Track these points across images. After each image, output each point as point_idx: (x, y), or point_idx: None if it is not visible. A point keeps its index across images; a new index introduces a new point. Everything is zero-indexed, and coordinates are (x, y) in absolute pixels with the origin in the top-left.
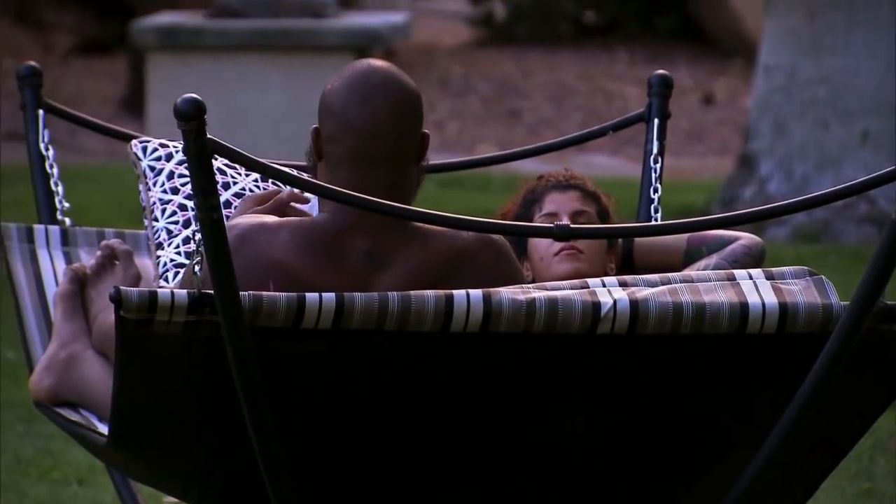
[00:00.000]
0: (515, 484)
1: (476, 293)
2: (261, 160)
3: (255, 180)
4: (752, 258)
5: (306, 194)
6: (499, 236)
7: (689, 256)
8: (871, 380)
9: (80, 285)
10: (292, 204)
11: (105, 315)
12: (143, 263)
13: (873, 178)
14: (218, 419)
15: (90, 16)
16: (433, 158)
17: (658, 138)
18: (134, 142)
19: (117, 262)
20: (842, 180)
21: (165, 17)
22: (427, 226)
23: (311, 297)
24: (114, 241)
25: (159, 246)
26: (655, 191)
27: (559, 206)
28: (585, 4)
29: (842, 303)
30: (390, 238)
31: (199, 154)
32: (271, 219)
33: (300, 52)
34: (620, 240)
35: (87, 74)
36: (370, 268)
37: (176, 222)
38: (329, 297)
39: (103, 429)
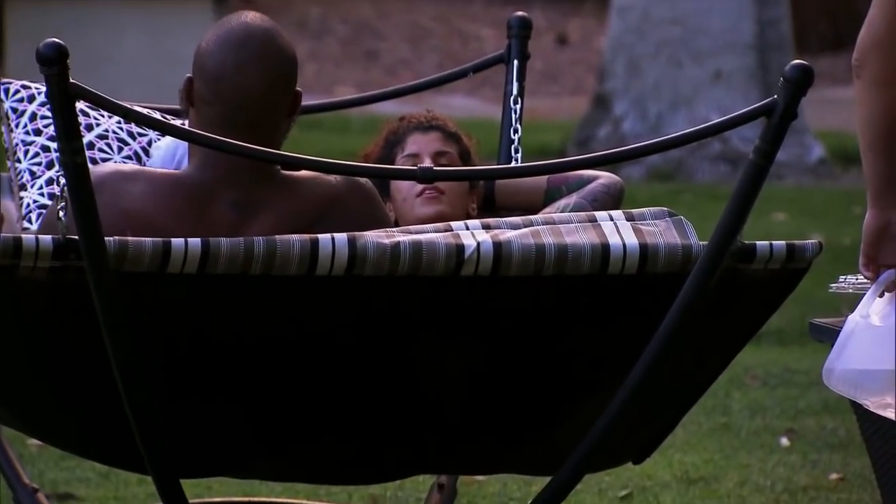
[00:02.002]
0: (379, 426)
1: (341, 237)
2: (124, 104)
3: (118, 122)
4: (610, 197)
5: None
6: (365, 180)
7: (550, 195)
8: (729, 318)
9: None
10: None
11: None
12: (6, 205)
13: (730, 119)
14: (83, 363)
15: None
16: None
17: (518, 79)
18: None
19: None
20: (695, 119)
21: None
22: (295, 174)
23: (177, 242)
24: None
25: (22, 187)
26: (515, 131)
27: (421, 148)
28: None
29: (701, 243)
30: (258, 189)
31: (63, 98)
32: (129, 167)
33: None
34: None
35: None
36: (238, 218)
37: (39, 164)
38: (195, 241)
39: None
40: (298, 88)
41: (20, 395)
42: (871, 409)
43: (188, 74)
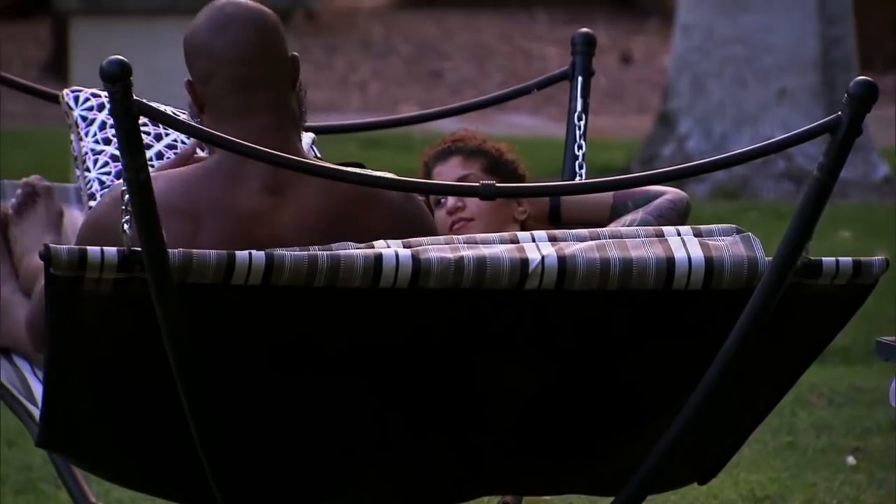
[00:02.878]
0: (442, 445)
1: (405, 252)
2: (181, 119)
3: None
4: (677, 212)
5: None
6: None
7: (616, 211)
8: (795, 335)
9: (3, 227)
10: (197, 153)
11: (30, 257)
12: (73, 216)
13: (794, 135)
14: (149, 378)
15: None
16: (357, 118)
17: (582, 96)
18: (66, 91)
19: (38, 199)
20: (760, 137)
21: None
22: (319, 159)
23: (241, 254)
24: (34, 178)
25: (91, 197)
26: (580, 147)
27: (444, 178)
28: None
29: (767, 258)
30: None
31: (126, 115)
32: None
33: None
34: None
35: (8, 39)
36: (270, 200)
37: (108, 173)
38: (259, 254)
39: (37, 386)
40: (295, 53)
41: (82, 427)
42: None
43: (187, 78)
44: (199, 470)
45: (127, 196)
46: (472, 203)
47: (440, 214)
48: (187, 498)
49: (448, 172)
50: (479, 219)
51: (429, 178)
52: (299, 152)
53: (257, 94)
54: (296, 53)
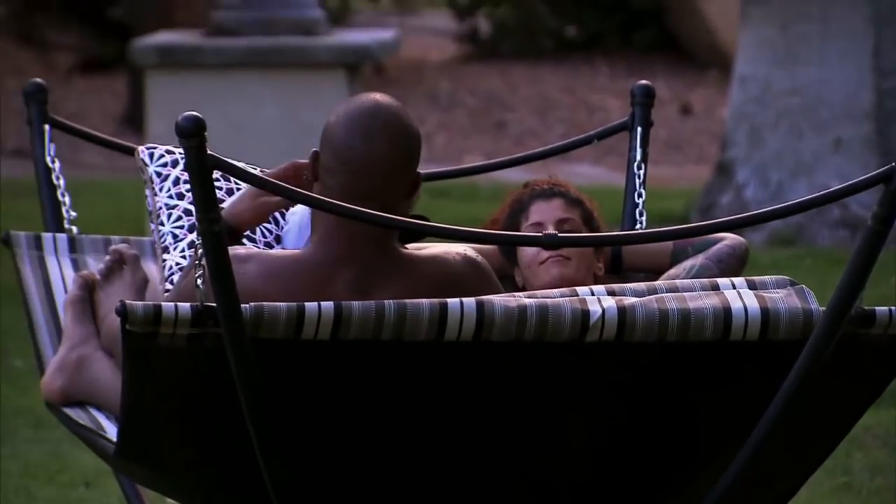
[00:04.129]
0: (508, 494)
1: (469, 301)
2: (257, 174)
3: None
4: (736, 258)
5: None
6: (482, 259)
7: (676, 257)
8: (849, 383)
9: (89, 290)
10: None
11: (112, 318)
12: (149, 269)
13: (849, 185)
14: (222, 429)
15: (90, 36)
16: (423, 169)
17: (641, 146)
18: (141, 148)
19: (125, 266)
20: (815, 186)
21: (163, 37)
22: (413, 254)
23: (311, 306)
24: (122, 246)
25: (165, 249)
26: (640, 196)
27: (544, 216)
28: (567, 20)
29: (821, 308)
30: (377, 267)
31: (200, 169)
32: (243, 249)
33: (293, 69)
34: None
35: (88, 92)
36: (358, 294)
37: (181, 227)
38: (328, 305)
39: (112, 432)
40: (420, 170)
41: (159, 454)
42: None
43: (314, 149)
44: (264, 495)
45: (200, 251)
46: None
47: (531, 251)
48: None
49: (551, 212)
50: (574, 259)
51: (520, 214)
52: (389, 250)
53: (366, 203)
54: (420, 171)
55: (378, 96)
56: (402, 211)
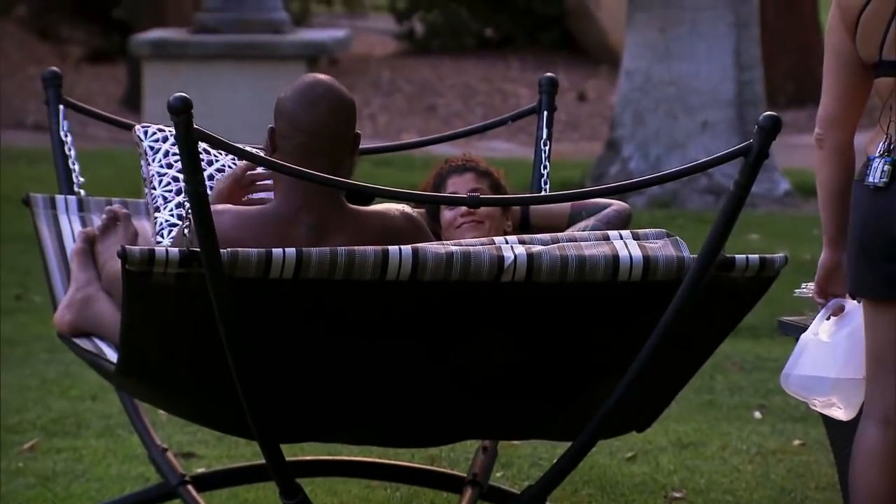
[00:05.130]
0: (434, 402)
1: (406, 248)
2: (235, 144)
3: (233, 159)
4: (621, 220)
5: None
6: (419, 216)
7: (572, 219)
8: (713, 316)
9: (91, 243)
10: (248, 173)
11: (111, 264)
12: (143, 225)
13: (714, 158)
14: (204, 351)
15: (97, 31)
16: (368, 144)
17: (547, 126)
18: (137, 126)
19: (119, 223)
20: (687, 159)
21: (156, 33)
22: (361, 210)
23: (277, 251)
24: (115, 206)
25: (157, 209)
26: (545, 167)
27: (458, 187)
28: (486, 23)
29: (692, 255)
30: (330, 215)
31: (188, 140)
32: (220, 205)
33: (263, 61)
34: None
35: (94, 79)
36: (313, 240)
37: (170, 191)
38: (290, 251)
39: (112, 357)
40: (358, 131)
41: (152, 374)
42: (818, 409)
43: (270, 125)
44: (240, 407)
45: (188, 205)
46: (483, 210)
47: (449, 214)
48: (230, 429)
49: (464, 184)
50: (486, 222)
51: (441, 186)
52: (340, 203)
53: (316, 160)
54: (359, 132)
55: (317, 74)
56: (349, 166)
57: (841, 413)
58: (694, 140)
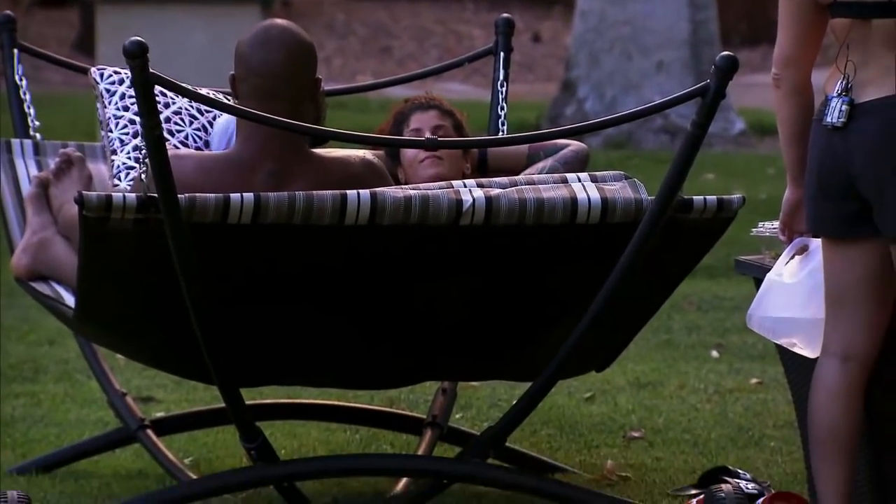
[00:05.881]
0: (394, 344)
1: (365, 192)
2: (190, 88)
3: (188, 102)
4: (578, 161)
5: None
6: (378, 161)
7: (531, 159)
8: (671, 257)
9: (45, 188)
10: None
11: (67, 208)
12: (99, 168)
13: (672, 98)
14: (162, 296)
15: None
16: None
17: (504, 67)
18: (93, 69)
19: (73, 167)
20: (642, 100)
21: None
22: (321, 153)
23: (235, 196)
24: (69, 150)
25: (113, 152)
26: (502, 108)
27: (422, 123)
28: None
29: (649, 197)
30: (290, 161)
31: (144, 83)
32: (183, 151)
33: (217, 4)
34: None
35: (46, 23)
36: (274, 185)
37: (127, 133)
38: (248, 196)
39: (70, 301)
40: (319, 76)
41: (111, 319)
42: (782, 346)
43: (231, 73)
44: (199, 352)
45: (144, 150)
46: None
47: (412, 151)
48: (189, 374)
49: (427, 120)
50: (446, 159)
51: (403, 124)
52: (301, 149)
53: (274, 103)
54: (320, 76)
55: (275, 20)
56: (310, 112)
57: (805, 352)
58: (649, 80)
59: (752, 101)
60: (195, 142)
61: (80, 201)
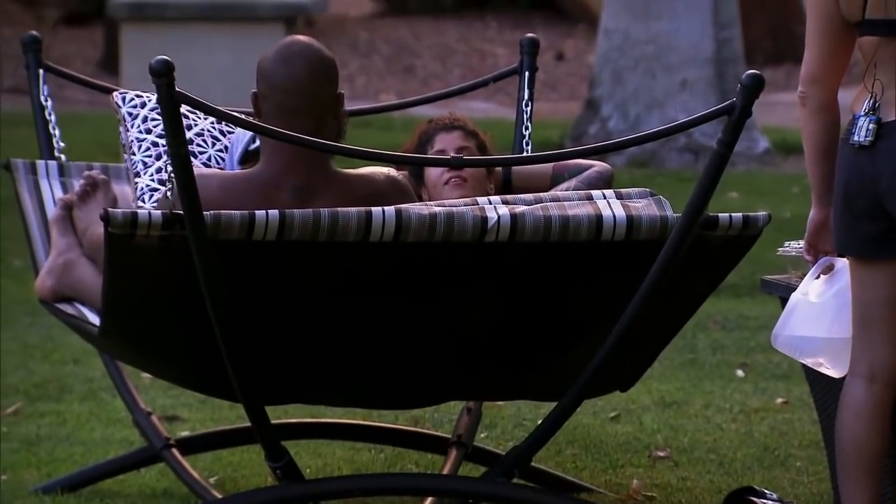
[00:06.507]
0: (419, 363)
1: (389, 209)
2: (217, 107)
3: (212, 122)
4: (602, 181)
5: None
6: (403, 178)
7: (554, 180)
8: (696, 274)
9: (70, 210)
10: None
11: (93, 229)
12: (123, 190)
13: (697, 117)
14: (187, 313)
15: None
16: (347, 106)
17: (528, 87)
18: (115, 93)
19: (98, 189)
20: (666, 119)
21: None
22: (346, 172)
23: (260, 213)
24: (93, 172)
25: (136, 175)
26: (527, 128)
27: (446, 144)
28: None
29: (675, 214)
30: (314, 178)
31: (170, 102)
32: (208, 170)
33: (241, 22)
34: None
35: (70, 41)
36: (298, 202)
37: (150, 156)
38: (273, 213)
39: (94, 320)
40: (341, 91)
41: (136, 336)
42: (808, 366)
43: (253, 90)
44: (224, 370)
45: (170, 168)
46: (468, 168)
47: (436, 172)
48: (214, 391)
49: (452, 141)
50: (470, 180)
51: (427, 144)
52: (325, 166)
53: (297, 119)
54: (342, 91)
55: (297, 37)
56: (332, 128)
57: (831, 372)
58: (673, 98)
59: (776, 120)
60: (218, 163)
61: (106, 218)
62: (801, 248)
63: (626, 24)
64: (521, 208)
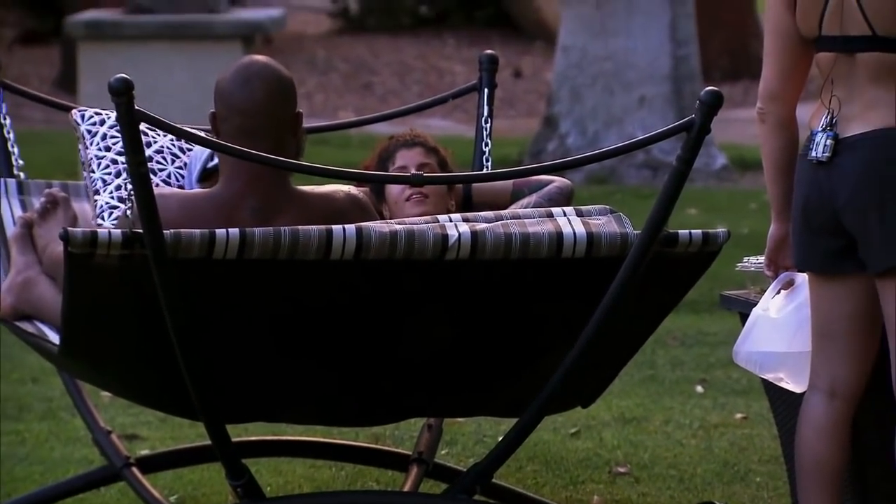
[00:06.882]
0: (378, 380)
1: (350, 227)
2: (176, 125)
3: (171, 140)
4: (563, 197)
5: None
6: (363, 196)
7: (515, 196)
8: (657, 291)
9: (29, 228)
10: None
11: (52, 247)
12: (82, 207)
13: (656, 134)
14: (147, 332)
15: (29, 13)
16: (304, 123)
17: (488, 103)
18: (74, 111)
19: (58, 207)
20: (624, 135)
21: (91, 14)
22: (305, 190)
23: (220, 232)
24: (54, 190)
25: (96, 192)
26: (486, 145)
27: (407, 161)
28: (421, 0)
29: (635, 231)
30: (274, 197)
31: (129, 121)
32: (167, 189)
33: (199, 41)
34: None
35: (27, 61)
36: (258, 222)
37: (109, 173)
38: (234, 231)
39: (54, 338)
40: (300, 110)
41: (96, 355)
42: (768, 381)
43: (211, 110)
44: (185, 388)
45: (129, 186)
46: (430, 186)
47: (397, 189)
48: (174, 410)
49: (413, 157)
50: (431, 197)
51: (388, 161)
52: (284, 185)
53: (257, 140)
54: (300, 111)
55: (254, 57)
56: (292, 147)
57: (791, 386)
58: (631, 115)
59: (734, 137)
60: (177, 180)
61: (66, 238)
62: (760, 263)
63: (583, 41)
64: (481, 226)
